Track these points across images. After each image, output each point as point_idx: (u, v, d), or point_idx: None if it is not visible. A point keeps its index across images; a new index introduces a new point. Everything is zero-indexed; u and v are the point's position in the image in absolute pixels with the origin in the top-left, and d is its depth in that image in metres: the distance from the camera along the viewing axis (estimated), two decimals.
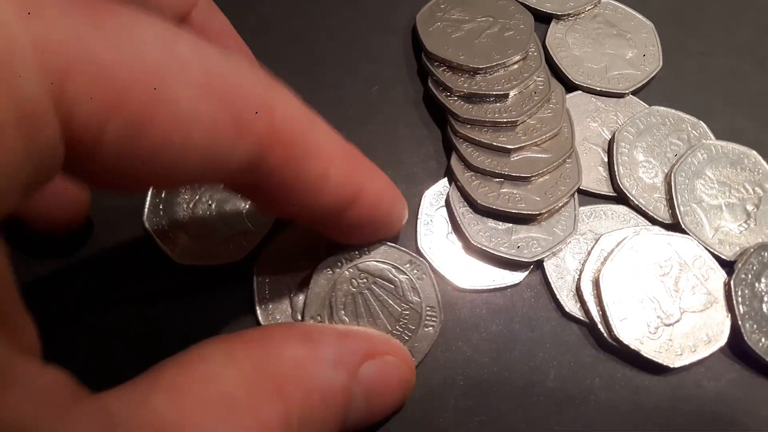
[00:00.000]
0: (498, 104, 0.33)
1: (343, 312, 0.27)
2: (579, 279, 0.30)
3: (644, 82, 0.36)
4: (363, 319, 0.27)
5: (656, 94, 0.36)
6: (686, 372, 0.28)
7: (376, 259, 0.27)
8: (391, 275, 0.27)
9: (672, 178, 0.32)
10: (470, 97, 0.33)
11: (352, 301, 0.27)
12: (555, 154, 0.32)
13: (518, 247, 0.30)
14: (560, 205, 0.31)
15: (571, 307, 0.29)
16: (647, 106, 0.35)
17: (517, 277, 0.30)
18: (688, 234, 0.31)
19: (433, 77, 0.34)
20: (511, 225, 0.31)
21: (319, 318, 0.27)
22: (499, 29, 0.35)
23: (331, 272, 0.27)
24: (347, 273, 0.27)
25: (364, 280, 0.27)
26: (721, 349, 0.29)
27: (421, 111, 0.35)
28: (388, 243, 0.28)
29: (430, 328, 0.27)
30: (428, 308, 0.27)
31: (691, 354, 0.28)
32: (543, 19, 0.37)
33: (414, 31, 0.36)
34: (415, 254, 0.28)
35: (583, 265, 0.30)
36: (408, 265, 0.28)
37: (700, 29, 0.39)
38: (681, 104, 0.35)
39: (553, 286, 0.30)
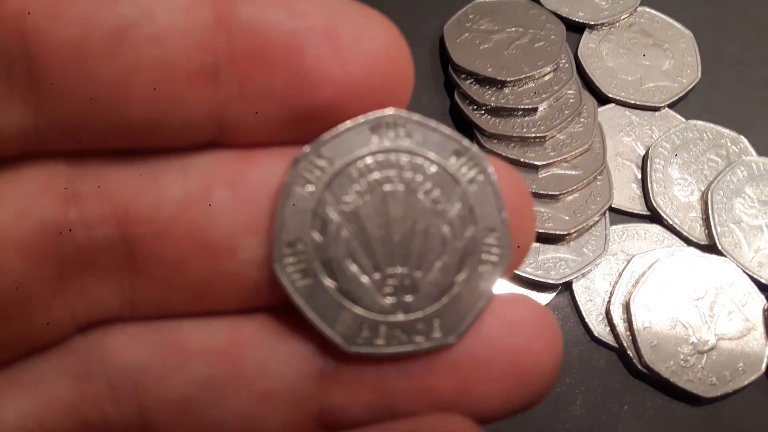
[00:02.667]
0: (526, 118, 0.32)
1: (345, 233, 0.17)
2: (609, 302, 0.29)
3: (681, 94, 0.34)
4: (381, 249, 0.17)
5: (694, 106, 0.35)
6: (721, 403, 0.27)
7: (399, 146, 0.17)
8: (424, 173, 0.17)
9: (709, 196, 0.31)
10: (497, 111, 0.32)
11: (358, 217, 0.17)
12: (585, 170, 0.31)
13: (545, 267, 0.29)
14: (590, 224, 0.30)
15: (600, 331, 0.28)
16: (684, 119, 0.34)
17: (544, 298, 0.29)
18: (725, 256, 0.30)
19: (460, 90, 0.33)
20: (538, 245, 0.30)
21: (301, 245, 0.17)
22: (529, 40, 0.34)
23: (318, 167, 0.17)
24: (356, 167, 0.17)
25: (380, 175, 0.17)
26: (759, 380, 0.27)
27: (447, 124, 0.34)
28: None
29: (489, 266, 0.17)
30: (487, 231, 0.17)
31: (726, 384, 0.27)
32: (575, 28, 0.36)
33: (441, 42, 0.35)
34: (465, 139, 0.17)
35: (614, 287, 0.29)
36: (454, 158, 0.17)
37: (740, 38, 0.37)
38: (720, 117, 0.34)
39: (581, 309, 0.29)
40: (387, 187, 0.17)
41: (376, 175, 0.17)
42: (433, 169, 0.17)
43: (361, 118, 0.17)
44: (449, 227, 0.17)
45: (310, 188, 0.17)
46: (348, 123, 0.17)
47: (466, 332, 0.17)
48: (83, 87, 0.15)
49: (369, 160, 0.17)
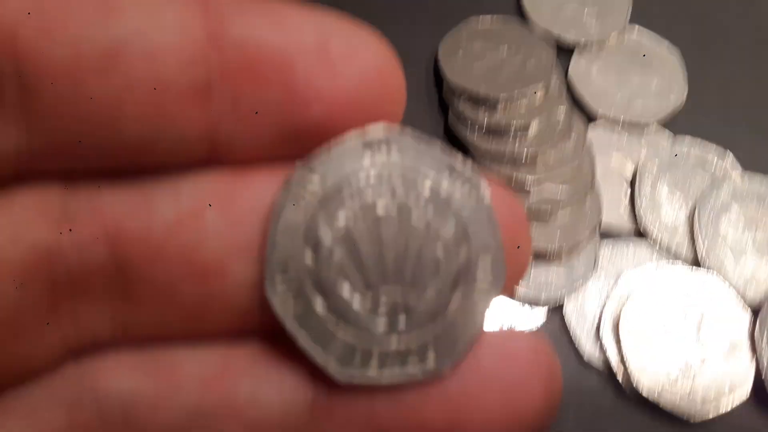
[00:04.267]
0: (518, 138, 0.33)
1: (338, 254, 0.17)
2: (599, 324, 0.29)
3: (670, 112, 0.35)
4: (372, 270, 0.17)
5: (682, 124, 0.35)
6: (709, 423, 0.28)
7: (392, 163, 0.17)
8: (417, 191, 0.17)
9: (695, 213, 0.32)
10: (490, 131, 0.33)
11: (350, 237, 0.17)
12: (575, 188, 0.32)
13: (535, 285, 0.30)
14: (580, 241, 0.31)
15: (590, 353, 0.29)
16: (672, 137, 0.34)
17: (536, 318, 0.30)
18: (711, 272, 0.30)
19: (454, 110, 0.34)
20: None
21: (292, 266, 0.17)
22: (521, 60, 0.35)
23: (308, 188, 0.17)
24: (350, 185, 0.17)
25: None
26: (746, 400, 0.28)
27: (441, 143, 0.34)
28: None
29: (484, 288, 0.17)
30: (481, 253, 0.17)
31: (714, 405, 0.27)
32: (567, 49, 0.37)
33: (435, 62, 0.36)
34: (459, 157, 0.17)
35: (603, 308, 0.30)
36: (447, 177, 0.17)
37: (727, 56, 0.38)
38: (708, 134, 0.34)
39: (571, 329, 0.29)
40: (380, 207, 0.17)
41: (368, 194, 0.17)
42: (427, 187, 0.17)
43: (353, 135, 0.17)
44: (443, 249, 0.17)
45: (302, 207, 0.16)
46: (340, 140, 0.17)
47: (460, 361, 0.17)
48: (76, 106, 0.15)
49: (362, 177, 0.17)
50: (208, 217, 0.17)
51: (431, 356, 0.17)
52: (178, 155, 0.17)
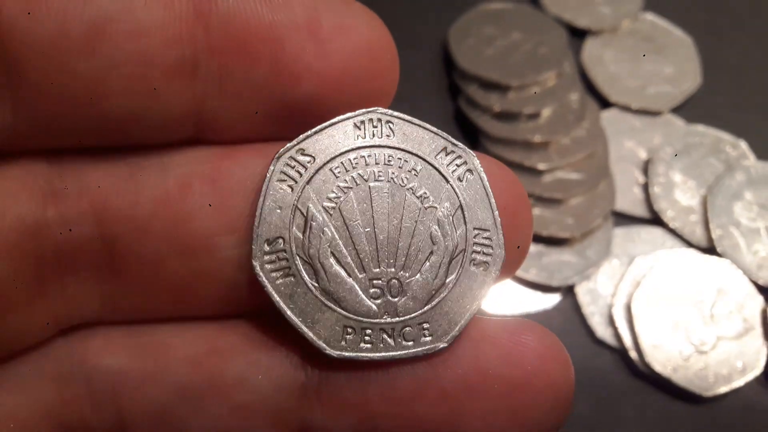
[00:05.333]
0: (530, 123, 0.33)
1: (323, 238, 0.17)
2: (611, 304, 0.29)
3: (683, 99, 0.35)
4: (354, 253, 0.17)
5: (695, 111, 0.35)
6: (720, 401, 0.28)
7: (384, 142, 0.17)
8: (410, 171, 0.17)
9: (709, 200, 0.31)
10: (502, 116, 0.33)
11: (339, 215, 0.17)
12: (589, 174, 0.32)
13: (549, 270, 0.30)
14: (593, 227, 0.31)
15: (603, 332, 0.29)
16: (685, 124, 0.34)
17: (549, 301, 0.30)
18: (724, 258, 0.30)
19: (465, 94, 0.34)
20: (542, 248, 0.31)
21: (281, 242, 0.17)
22: (533, 45, 0.35)
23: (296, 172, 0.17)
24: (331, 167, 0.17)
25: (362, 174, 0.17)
26: (757, 379, 0.28)
27: (451, 128, 0.34)
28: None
29: (481, 267, 0.17)
30: (479, 231, 0.17)
31: (726, 383, 0.27)
32: (578, 34, 0.37)
33: (445, 47, 0.36)
34: (453, 140, 0.18)
35: (616, 289, 0.30)
36: (442, 156, 0.17)
37: (739, 44, 0.38)
38: (721, 121, 0.34)
39: (584, 311, 0.29)
40: (372, 184, 0.17)
41: (360, 172, 0.17)
42: (420, 166, 0.17)
43: (345, 115, 0.17)
44: (438, 226, 0.17)
45: (292, 184, 0.16)
46: (332, 119, 0.17)
47: (456, 339, 0.16)
48: (61, 83, 0.15)
49: (353, 156, 0.17)
50: (195, 194, 0.17)
51: (426, 332, 0.16)
52: (164, 132, 0.17)
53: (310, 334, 0.16)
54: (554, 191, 0.31)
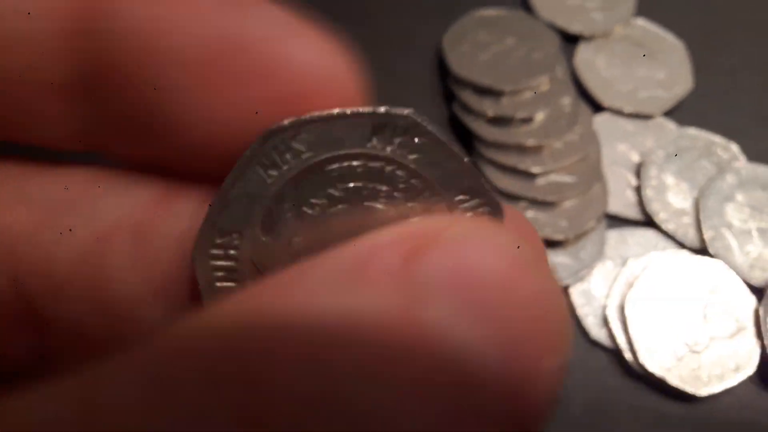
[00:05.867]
0: (524, 127, 0.33)
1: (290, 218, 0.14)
2: (605, 305, 0.29)
3: (675, 103, 0.35)
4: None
5: (687, 115, 0.35)
6: (714, 401, 0.28)
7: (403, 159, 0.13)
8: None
9: (700, 202, 0.32)
10: (496, 120, 0.33)
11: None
12: (582, 178, 0.32)
13: None
14: (587, 229, 0.31)
15: (597, 333, 0.29)
16: (677, 127, 0.35)
17: None
18: (717, 259, 0.30)
19: (459, 100, 0.34)
20: None
21: (236, 239, 0.14)
22: (526, 51, 0.35)
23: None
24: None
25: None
26: (750, 378, 0.28)
27: (446, 134, 0.35)
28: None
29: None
30: (462, 198, 0.14)
31: (719, 383, 0.28)
32: (572, 39, 0.37)
33: (439, 53, 0.36)
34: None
35: (610, 290, 0.30)
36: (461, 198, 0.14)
37: (730, 48, 0.38)
38: (712, 125, 0.35)
39: (578, 312, 0.30)
40: (366, 204, 0.14)
41: (359, 184, 0.14)
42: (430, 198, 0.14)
43: (365, 109, 0.13)
44: None
45: (274, 174, 0.13)
46: (347, 110, 0.13)
47: None
48: None
49: (358, 163, 0.13)
50: (115, 250, 0.14)
51: None
52: (42, 139, 0.14)
53: None
54: (548, 194, 0.31)
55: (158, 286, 0.14)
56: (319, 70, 0.13)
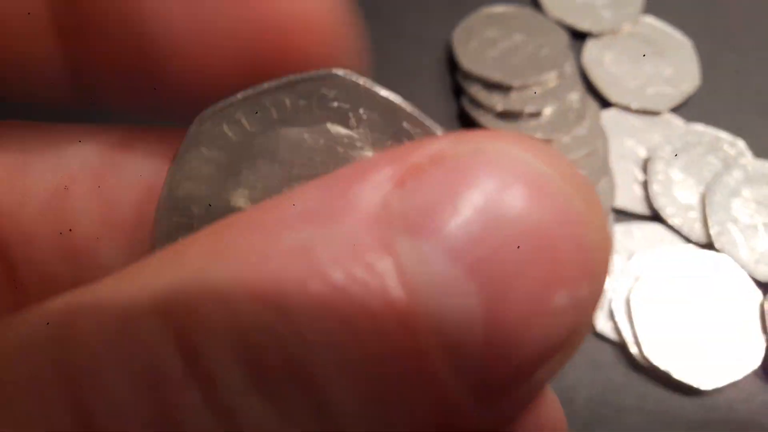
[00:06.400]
0: (532, 122, 0.33)
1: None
2: (611, 299, 0.30)
3: (682, 99, 0.36)
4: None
5: (694, 111, 0.36)
6: (719, 394, 0.28)
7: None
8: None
9: (707, 197, 0.32)
10: (505, 115, 0.33)
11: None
12: (589, 172, 0.32)
13: None
14: None
15: (602, 326, 0.29)
16: (685, 123, 0.35)
17: None
18: (723, 254, 0.31)
19: (468, 95, 0.34)
20: None
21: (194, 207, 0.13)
22: (535, 47, 0.35)
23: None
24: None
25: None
26: (755, 372, 0.28)
27: (455, 128, 0.35)
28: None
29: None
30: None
31: (724, 376, 0.28)
32: (579, 36, 0.37)
33: (449, 49, 0.36)
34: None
35: (616, 284, 0.30)
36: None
37: (737, 45, 0.38)
38: (719, 121, 0.35)
39: None
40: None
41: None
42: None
43: (291, 78, 0.12)
44: None
45: (227, 147, 0.13)
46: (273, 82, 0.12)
47: None
48: None
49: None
50: (77, 194, 0.14)
51: None
52: (36, 95, 0.14)
53: None
54: None
55: (118, 228, 0.14)
56: (305, 12, 0.13)
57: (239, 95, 0.13)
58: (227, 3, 0.12)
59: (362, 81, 0.13)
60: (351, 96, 0.13)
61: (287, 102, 0.13)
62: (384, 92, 0.13)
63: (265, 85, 0.12)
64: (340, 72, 0.13)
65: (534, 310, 0.09)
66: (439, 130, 0.13)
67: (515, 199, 0.09)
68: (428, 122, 0.13)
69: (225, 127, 0.13)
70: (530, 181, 0.10)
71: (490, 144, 0.10)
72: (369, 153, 0.13)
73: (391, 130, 0.13)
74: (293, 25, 0.13)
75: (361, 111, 0.13)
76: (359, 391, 0.09)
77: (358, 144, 0.13)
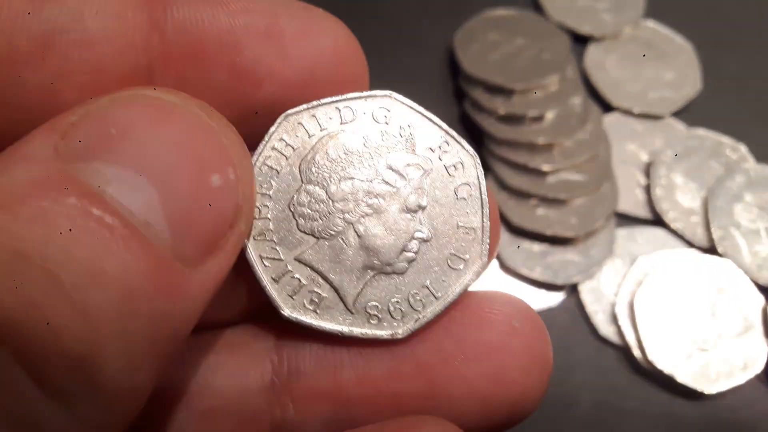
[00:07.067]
0: (534, 126, 0.33)
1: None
2: (614, 303, 0.30)
3: (683, 104, 0.36)
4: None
5: (696, 116, 0.36)
6: (721, 398, 0.28)
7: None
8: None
9: (709, 201, 0.32)
10: (507, 118, 0.33)
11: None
12: (592, 176, 0.32)
13: (553, 269, 0.30)
14: (597, 227, 0.31)
15: (606, 330, 0.29)
16: (686, 128, 0.35)
17: (553, 299, 0.30)
18: (725, 258, 0.31)
19: (470, 98, 0.34)
20: (546, 247, 0.31)
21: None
22: (537, 51, 0.35)
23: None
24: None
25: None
26: (758, 376, 0.28)
27: (456, 131, 0.35)
28: None
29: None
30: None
31: (727, 380, 0.28)
32: (582, 40, 0.38)
33: (451, 52, 0.36)
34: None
35: (619, 288, 0.30)
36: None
37: (739, 50, 0.38)
38: (721, 126, 0.35)
39: (588, 309, 0.30)
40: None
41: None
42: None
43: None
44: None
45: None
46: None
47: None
48: (13, 94, 0.15)
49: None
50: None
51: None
52: None
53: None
54: (558, 192, 0.32)
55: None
56: (332, 54, 0.17)
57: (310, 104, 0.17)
58: (296, 42, 0.16)
59: (409, 102, 0.18)
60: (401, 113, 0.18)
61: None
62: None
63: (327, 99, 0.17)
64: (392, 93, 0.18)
65: (199, 192, 0.13)
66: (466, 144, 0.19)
67: (147, 119, 0.13)
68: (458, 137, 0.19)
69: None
70: (155, 106, 0.14)
71: (119, 94, 0.14)
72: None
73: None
74: (336, 56, 0.17)
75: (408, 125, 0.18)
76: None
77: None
